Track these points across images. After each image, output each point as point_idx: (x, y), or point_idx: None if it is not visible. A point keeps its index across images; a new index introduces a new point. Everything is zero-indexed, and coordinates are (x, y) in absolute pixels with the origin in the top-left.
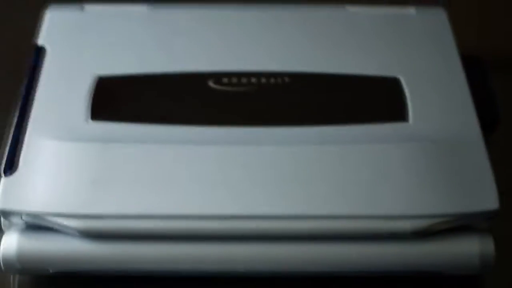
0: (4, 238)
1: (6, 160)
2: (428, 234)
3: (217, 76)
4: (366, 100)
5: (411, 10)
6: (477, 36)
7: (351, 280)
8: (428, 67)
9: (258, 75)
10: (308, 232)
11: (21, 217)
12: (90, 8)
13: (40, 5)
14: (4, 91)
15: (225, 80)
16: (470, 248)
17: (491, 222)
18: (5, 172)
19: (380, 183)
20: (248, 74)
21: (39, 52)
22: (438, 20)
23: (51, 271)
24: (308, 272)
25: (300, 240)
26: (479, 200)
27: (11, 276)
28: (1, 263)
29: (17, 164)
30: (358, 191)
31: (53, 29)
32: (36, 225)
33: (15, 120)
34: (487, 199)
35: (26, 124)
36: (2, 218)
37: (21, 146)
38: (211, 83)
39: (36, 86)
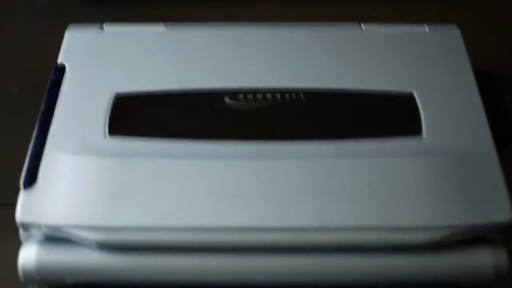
0: (23, 249)
1: (26, 174)
2: (442, 245)
3: (233, 93)
4: (380, 115)
5: (424, 28)
6: (489, 52)
7: None
8: (441, 82)
9: (273, 91)
10: (323, 244)
11: (40, 229)
12: (109, 27)
13: (62, 25)
14: (26, 108)
15: (241, 96)
16: (484, 260)
17: (504, 233)
18: (24, 186)
19: (394, 196)
20: (264, 91)
21: (59, 70)
22: (451, 36)
23: (69, 282)
24: (323, 284)
25: (315, 252)
26: (492, 212)
27: (30, 287)
28: (21, 274)
29: (37, 178)
30: (373, 204)
31: (73, 48)
32: (55, 237)
33: (35, 135)
34: (500, 211)
35: (46, 139)
36: (21, 230)
37: (41, 161)
38: (227, 100)
39: (56, 102)
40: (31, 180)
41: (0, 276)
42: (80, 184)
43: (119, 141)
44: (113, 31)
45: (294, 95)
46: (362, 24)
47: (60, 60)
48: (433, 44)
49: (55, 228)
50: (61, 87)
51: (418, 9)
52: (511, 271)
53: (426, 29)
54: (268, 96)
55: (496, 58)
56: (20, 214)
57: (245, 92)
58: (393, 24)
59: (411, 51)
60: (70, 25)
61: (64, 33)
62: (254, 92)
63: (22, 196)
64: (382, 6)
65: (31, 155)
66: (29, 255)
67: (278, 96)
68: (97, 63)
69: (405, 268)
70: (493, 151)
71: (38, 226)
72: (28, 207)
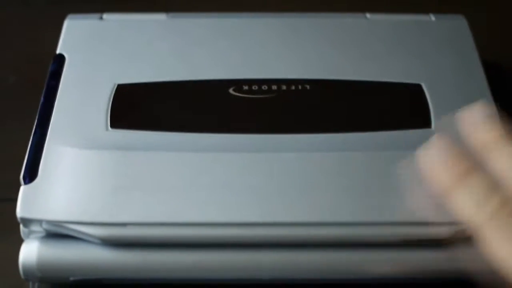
0: (24, 246)
1: (26, 168)
2: (454, 241)
3: (237, 84)
4: (388, 106)
5: (431, 17)
6: (495, 43)
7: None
8: (450, 73)
9: (278, 82)
10: (332, 240)
11: (41, 225)
12: (108, 17)
13: (62, 16)
14: (25, 100)
15: (245, 87)
16: None
17: None
18: (24, 180)
19: (405, 190)
20: (269, 81)
21: (59, 60)
22: (458, 26)
23: (71, 279)
24: (333, 279)
25: (324, 248)
26: None
27: (31, 284)
28: (21, 271)
29: (37, 172)
30: (383, 198)
31: (72, 37)
32: (56, 233)
33: (34, 128)
34: None
35: (46, 132)
36: (21, 226)
37: (41, 154)
38: (231, 91)
39: (55, 94)
40: (31, 174)
41: (0, 274)
42: (82, 178)
43: (121, 133)
44: (113, 20)
45: (300, 86)
46: (367, 14)
47: (59, 50)
48: (440, 34)
49: (57, 223)
50: (61, 78)
51: None
52: None
53: (433, 18)
54: (274, 87)
55: (502, 50)
56: (21, 209)
57: (250, 83)
58: (399, 14)
59: (417, 41)
60: (69, 15)
61: (60, 23)
62: (259, 83)
63: (23, 191)
64: None
65: (31, 149)
66: (30, 252)
67: (284, 87)
68: (98, 53)
69: (416, 264)
70: None
71: (39, 222)
72: (29, 202)
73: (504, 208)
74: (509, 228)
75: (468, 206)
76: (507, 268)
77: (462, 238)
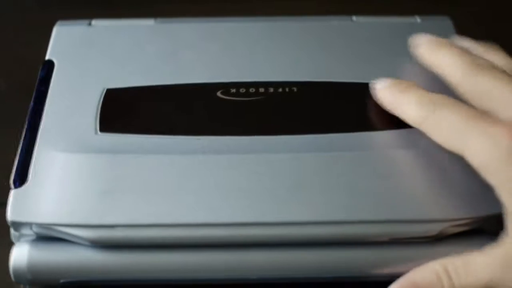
0: (14, 249)
1: (16, 172)
2: (441, 237)
3: (225, 87)
4: (375, 107)
5: (417, 19)
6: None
7: (365, 285)
8: (435, 74)
9: (266, 85)
10: (320, 239)
11: (31, 228)
12: (97, 23)
13: (51, 23)
14: (14, 105)
15: (233, 90)
16: None
17: (503, 225)
18: (15, 184)
19: (392, 189)
20: (257, 84)
21: (48, 66)
22: (443, 28)
23: (61, 281)
24: (321, 278)
25: (312, 247)
26: (492, 204)
27: (21, 287)
28: (12, 274)
29: (27, 176)
30: (371, 197)
31: (61, 43)
32: (46, 236)
33: (24, 132)
34: (498, 202)
35: (36, 137)
36: (12, 230)
37: (31, 158)
38: (219, 94)
39: (45, 99)
40: (21, 178)
41: None
42: (72, 181)
43: (111, 137)
44: (102, 26)
45: (287, 88)
46: (353, 16)
47: (48, 56)
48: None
49: (47, 226)
50: (50, 83)
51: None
52: None
53: (418, 20)
54: (261, 89)
55: None
56: (11, 213)
57: (238, 86)
58: (385, 16)
59: (404, 42)
60: (58, 21)
61: (52, 28)
62: (247, 86)
63: (13, 195)
64: None
65: (21, 153)
66: (20, 255)
67: (271, 89)
68: (87, 58)
69: (403, 262)
70: None
71: (29, 225)
72: (19, 206)
73: (443, 101)
74: (447, 118)
75: (411, 108)
76: (451, 148)
77: (449, 235)
